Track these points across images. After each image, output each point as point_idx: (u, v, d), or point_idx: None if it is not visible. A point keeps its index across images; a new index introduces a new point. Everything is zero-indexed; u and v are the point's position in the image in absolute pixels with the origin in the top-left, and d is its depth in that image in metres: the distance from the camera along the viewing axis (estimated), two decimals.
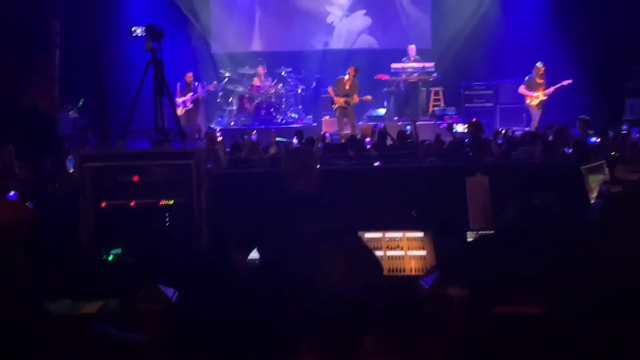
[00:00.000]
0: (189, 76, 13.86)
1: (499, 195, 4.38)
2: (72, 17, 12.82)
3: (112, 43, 12.19)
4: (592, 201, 4.31)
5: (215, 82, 14.87)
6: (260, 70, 15.45)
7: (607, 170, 4.57)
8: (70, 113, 13.37)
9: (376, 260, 2.24)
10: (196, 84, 14.11)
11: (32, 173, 7.85)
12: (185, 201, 4.50)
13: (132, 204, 4.46)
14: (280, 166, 3.89)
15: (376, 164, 7.13)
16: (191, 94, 13.76)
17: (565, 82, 13.63)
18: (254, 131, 11.97)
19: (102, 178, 4.44)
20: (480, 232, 4.21)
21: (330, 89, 13.87)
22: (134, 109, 4.86)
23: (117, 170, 4.44)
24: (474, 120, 4.29)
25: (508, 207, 3.77)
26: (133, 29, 4.82)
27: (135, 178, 4.47)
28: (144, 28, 4.80)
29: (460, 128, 6.77)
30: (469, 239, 4.24)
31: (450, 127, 10.27)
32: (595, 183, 4.50)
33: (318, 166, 3.92)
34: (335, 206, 3.83)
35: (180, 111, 10.06)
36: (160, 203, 4.50)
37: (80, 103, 13.72)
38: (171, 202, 4.51)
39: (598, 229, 3.71)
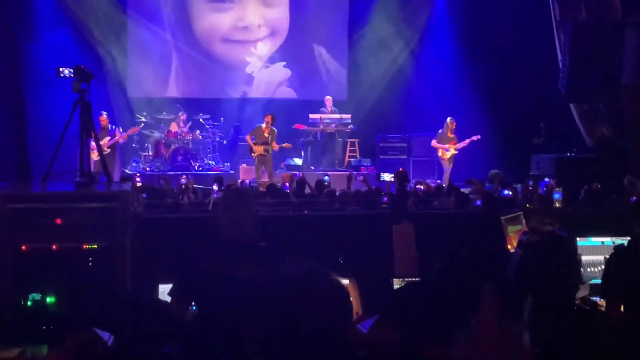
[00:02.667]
0: (104, 119, 13.58)
1: (423, 244, 4.49)
2: None
3: (33, 81, 11.88)
4: (512, 250, 4.49)
5: (136, 127, 14.69)
6: (182, 116, 15.37)
7: (524, 221, 4.78)
8: None
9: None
10: (113, 127, 13.89)
11: None
12: (110, 245, 4.40)
13: (54, 247, 4.33)
14: (218, 209, 3.85)
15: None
16: (108, 138, 13.49)
17: (474, 138, 14.20)
18: (184, 176, 11.82)
19: (24, 220, 4.30)
20: (406, 279, 4.30)
21: (248, 138, 13.94)
22: (58, 150, 4.76)
23: (40, 212, 4.31)
24: (400, 169, 4.43)
25: (434, 255, 3.87)
26: (61, 70, 4.74)
27: (58, 221, 4.35)
28: (72, 69, 4.74)
29: (387, 177, 6.96)
30: (395, 286, 4.32)
31: (365, 179, 10.47)
32: (513, 233, 4.70)
33: (256, 209, 3.93)
34: (274, 250, 3.83)
35: (95, 156, 9.81)
36: (84, 247, 4.39)
37: None
38: (95, 246, 4.40)
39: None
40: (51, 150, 4.91)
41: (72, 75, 4.74)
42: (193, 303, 3.71)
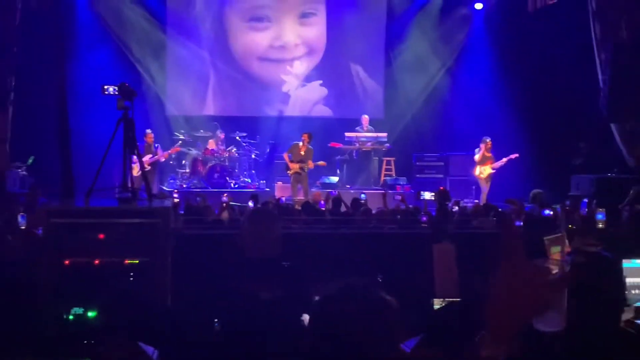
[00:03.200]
0: (150, 136, 13.80)
1: (464, 264, 4.44)
2: (30, 73, 12.77)
3: (75, 99, 12.10)
4: (555, 272, 4.41)
5: (177, 147, 14.85)
6: (221, 135, 15.50)
7: (567, 241, 4.70)
8: (19, 171, 13.15)
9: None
10: (156, 145, 14.08)
11: None
12: (151, 260, 4.43)
13: (97, 262, 4.37)
14: (240, 228, 3.86)
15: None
16: (150, 155, 13.67)
17: (512, 156, 14.07)
18: (225, 194, 11.91)
19: (67, 234, 4.36)
20: (446, 299, 4.25)
21: (285, 155, 13.99)
22: (101, 166, 4.82)
23: (83, 228, 4.36)
24: (441, 188, 4.40)
25: (475, 276, 3.82)
26: (105, 87, 4.82)
27: (101, 236, 4.40)
28: (116, 87, 4.81)
29: (427, 195, 6.91)
30: (436, 307, 4.27)
31: (403, 198, 10.41)
32: (556, 254, 4.62)
33: (280, 230, 3.93)
34: (296, 271, 3.82)
35: (135, 171, 9.96)
36: (125, 262, 4.43)
37: (30, 161, 13.51)
38: (136, 261, 4.44)
39: None
40: (94, 166, 4.98)
41: (116, 93, 4.80)
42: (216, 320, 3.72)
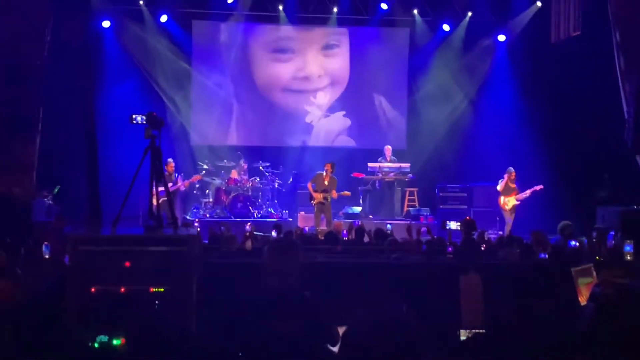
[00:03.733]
0: (171, 166, 13.91)
1: (490, 295, 4.40)
2: (58, 103, 13.00)
3: (102, 128, 12.29)
4: (583, 303, 4.36)
5: (198, 175, 14.96)
6: (244, 165, 15.59)
7: (594, 273, 4.65)
8: (45, 200, 13.29)
9: None
10: (177, 175, 14.19)
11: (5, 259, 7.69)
12: (176, 288, 4.45)
13: (123, 289, 4.39)
14: (262, 258, 3.87)
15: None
16: (171, 184, 13.75)
17: (537, 188, 13.98)
18: (249, 223, 12.03)
19: (94, 262, 4.39)
20: (473, 330, 4.21)
21: (309, 185, 14.02)
22: (129, 194, 4.86)
23: (110, 255, 4.40)
24: (467, 218, 4.37)
25: (503, 307, 3.79)
26: (133, 117, 4.88)
27: (127, 264, 4.42)
28: (144, 116, 4.87)
29: (453, 225, 6.88)
30: (462, 338, 4.23)
31: (429, 229, 10.35)
32: (584, 285, 4.57)
33: (301, 260, 3.93)
34: (318, 301, 3.81)
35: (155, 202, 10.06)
36: (151, 290, 4.44)
37: (56, 190, 13.67)
38: (162, 289, 4.45)
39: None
40: (120, 195, 5.02)
41: (144, 122, 4.86)
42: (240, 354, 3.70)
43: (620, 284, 4.06)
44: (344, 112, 17.47)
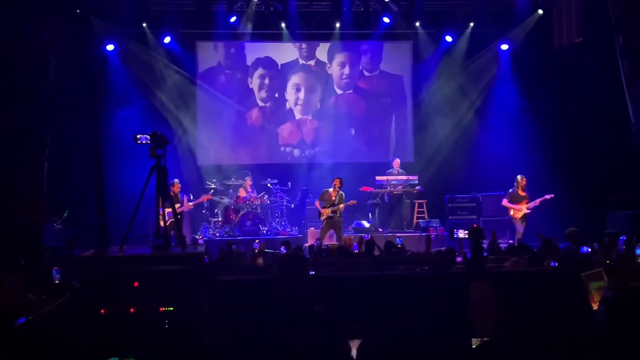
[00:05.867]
0: (177, 186, 13.92)
1: (501, 302, 4.37)
2: (65, 127, 13.08)
3: (109, 150, 12.36)
4: (595, 307, 4.32)
5: (208, 195, 14.96)
6: (248, 181, 15.61)
7: (605, 277, 4.62)
8: (54, 224, 13.35)
9: None
10: (186, 196, 14.20)
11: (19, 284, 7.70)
12: (186, 307, 4.43)
13: (132, 310, 4.39)
14: (273, 273, 3.86)
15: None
16: (178, 205, 13.74)
17: (547, 196, 13.90)
18: (257, 240, 12.08)
19: (103, 283, 4.39)
20: (484, 338, 4.17)
21: (317, 203, 14.01)
22: (135, 214, 4.87)
23: (118, 276, 4.40)
24: (474, 225, 4.35)
25: (514, 314, 3.77)
26: (138, 137, 4.90)
27: (136, 284, 4.42)
28: (148, 136, 4.88)
29: (461, 234, 6.86)
30: (474, 346, 4.19)
31: (452, 233, 10.29)
32: (595, 290, 4.53)
33: (311, 273, 3.92)
34: (327, 315, 3.80)
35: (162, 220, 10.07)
36: (160, 309, 4.43)
37: (65, 215, 13.72)
38: (171, 308, 4.44)
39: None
40: (128, 217, 5.03)
41: (148, 142, 4.87)
42: None
43: (633, 287, 4.02)
44: (351, 127, 17.49)
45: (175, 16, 16.00)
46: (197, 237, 14.50)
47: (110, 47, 15.88)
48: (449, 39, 16.97)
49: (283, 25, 16.50)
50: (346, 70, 17.57)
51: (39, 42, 12.29)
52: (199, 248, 4.94)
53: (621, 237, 8.93)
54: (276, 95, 17.47)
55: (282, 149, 17.40)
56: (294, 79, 17.49)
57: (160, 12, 15.89)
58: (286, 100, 17.51)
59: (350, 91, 17.60)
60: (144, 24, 15.94)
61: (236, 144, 17.32)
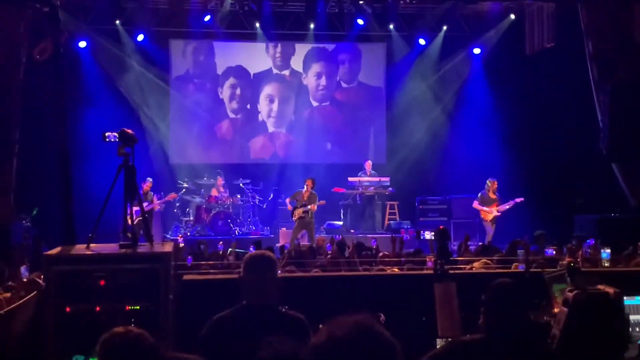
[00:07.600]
0: (148, 185, 13.83)
1: (466, 303, 4.42)
2: (34, 125, 12.94)
3: (78, 149, 12.24)
4: (557, 310, 4.39)
5: (174, 194, 14.89)
6: (220, 181, 15.57)
7: (568, 279, 4.69)
8: (23, 222, 13.19)
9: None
10: (158, 194, 14.12)
11: None
12: (152, 306, 4.42)
13: (98, 308, 4.37)
14: (240, 274, 3.86)
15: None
16: (146, 203, 13.66)
17: (517, 200, 14.06)
18: (221, 242, 12.05)
19: (68, 282, 4.36)
20: (449, 339, 4.22)
21: (287, 201, 14.03)
22: (102, 212, 4.84)
23: (84, 274, 4.37)
24: (440, 227, 4.38)
25: (479, 315, 3.81)
26: (106, 135, 4.87)
27: (102, 282, 4.40)
28: (116, 134, 4.86)
29: (427, 235, 6.91)
30: (438, 346, 4.24)
31: (419, 234, 10.36)
32: (558, 292, 4.60)
33: (279, 274, 3.93)
34: (294, 315, 3.81)
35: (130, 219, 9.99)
36: (127, 308, 4.42)
37: (34, 212, 13.57)
38: (137, 307, 4.43)
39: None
40: (94, 214, 5.00)
41: (116, 140, 4.85)
42: None
43: (593, 289, 4.09)
44: (327, 141, 17.48)
45: (149, 13, 15.89)
46: (166, 236, 14.46)
47: (82, 44, 15.72)
48: (422, 42, 17.08)
49: (257, 25, 16.47)
50: (323, 81, 17.51)
51: (9, 38, 12.16)
52: (166, 247, 4.93)
53: (588, 241, 9.07)
54: (248, 106, 17.33)
55: (254, 148, 17.37)
56: (267, 90, 17.34)
57: (134, 10, 15.76)
58: (259, 112, 17.40)
59: (327, 103, 17.56)
60: (117, 21, 15.81)
61: (208, 143, 17.25)
